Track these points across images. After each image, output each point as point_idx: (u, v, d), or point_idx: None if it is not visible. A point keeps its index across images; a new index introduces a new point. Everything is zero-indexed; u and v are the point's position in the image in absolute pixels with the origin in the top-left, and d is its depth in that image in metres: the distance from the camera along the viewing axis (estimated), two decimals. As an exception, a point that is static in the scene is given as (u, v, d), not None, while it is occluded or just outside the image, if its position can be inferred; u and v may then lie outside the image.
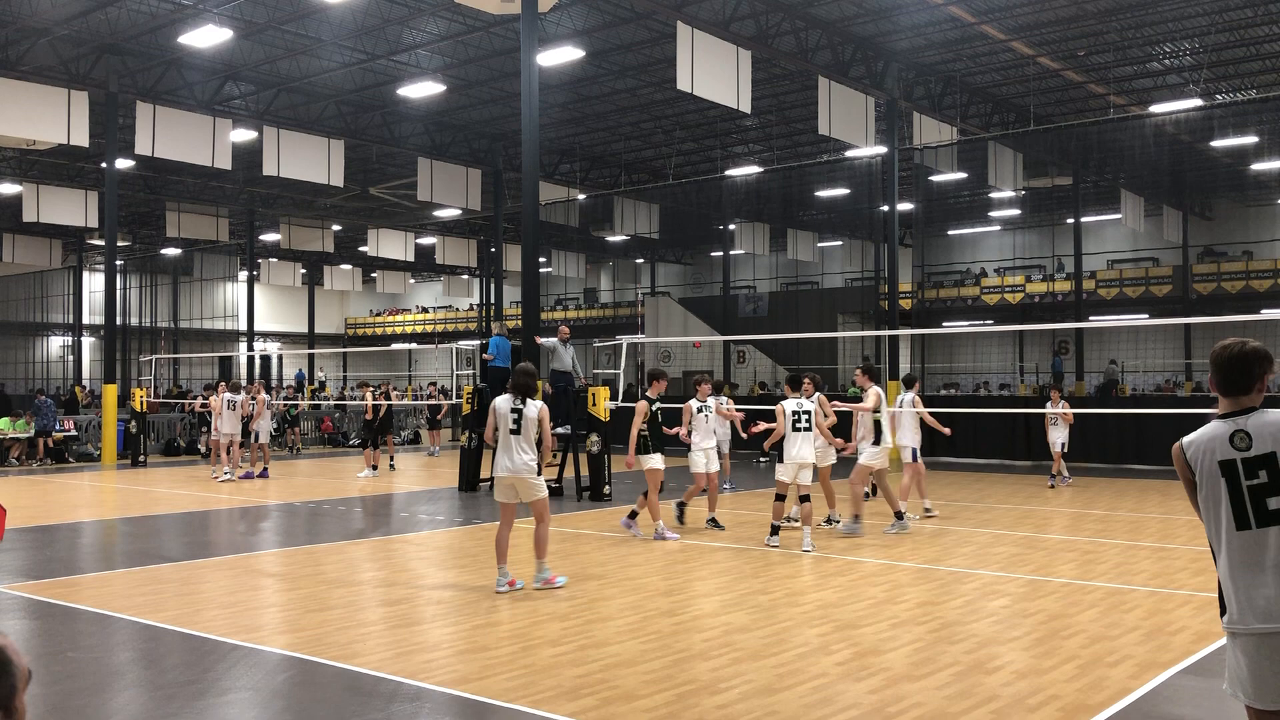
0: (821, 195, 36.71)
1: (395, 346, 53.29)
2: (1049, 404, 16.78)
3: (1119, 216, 34.41)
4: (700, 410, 12.19)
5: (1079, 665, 6.24)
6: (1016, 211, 39.85)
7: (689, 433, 12.16)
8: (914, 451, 13.04)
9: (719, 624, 7.34)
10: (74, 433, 25.04)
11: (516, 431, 8.57)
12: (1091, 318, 36.73)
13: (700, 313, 42.61)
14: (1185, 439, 3.38)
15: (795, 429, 10.86)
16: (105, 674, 6.31)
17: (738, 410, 15.16)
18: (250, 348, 44.26)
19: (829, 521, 12.39)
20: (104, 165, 25.89)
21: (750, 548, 10.89)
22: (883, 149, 25.00)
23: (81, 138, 22.38)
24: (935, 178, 31.70)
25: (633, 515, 11.79)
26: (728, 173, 31.76)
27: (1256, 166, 32.14)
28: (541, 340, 16.51)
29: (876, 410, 11.85)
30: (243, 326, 46.90)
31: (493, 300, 35.68)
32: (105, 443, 24.02)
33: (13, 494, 16.59)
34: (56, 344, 51.42)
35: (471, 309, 54.20)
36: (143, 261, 49.28)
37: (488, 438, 8.97)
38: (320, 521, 13.43)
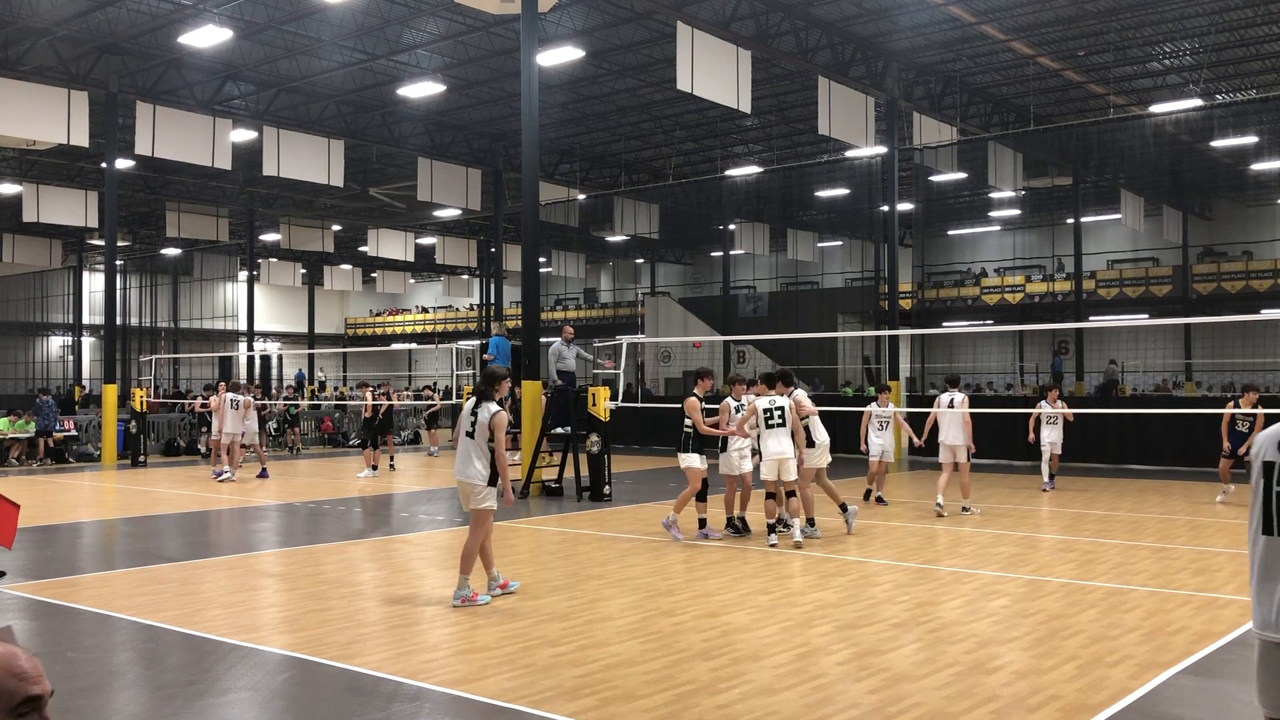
0: (821, 195, 36.71)
1: (395, 346, 53.29)
2: (1045, 403, 16.38)
3: (1119, 216, 34.41)
4: (738, 410, 11.84)
5: (1079, 665, 6.24)
6: (1016, 211, 39.86)
7: (735, 429, 11.82)
8: (967, 450, 13.60)
9: (719, 624, 7.34)
10: (74, 433, 25.04)
11: (470, 436, 8.19)
12: (1091, 318, 36.73)
13: (700, 313, 42.61)
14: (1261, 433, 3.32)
15: (769, 426, 11.09)
16: (105, 674, 6.31)
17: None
18: (250, 348, 44.26)
19: (811, 524, 12.14)
20: (104, 165, 25.90)
21: (750, 548, 10.89)
22: (883, 149, 25.00)
23: (81, 138, 22.37)
24: (935, 178, 31.69)
25: (702, 523, 11.71)
26: (728, 173, 31.76)
27: (1256, 166, 32.14)
28: (548, 342, 16.56)
29: (805, 416, 11.73)
30: (243, 326, 46.91)
31: (493, 300, 35.69)
32: (105, 443, 24.02)
33: (13, 494, 16.56)
34: (56, 344, 51.42)
35: (471, 309, 54.20)
36: (143, 261, 49.28)
37: (455, 441, 8.57)
38: (320, 521, 13.43)
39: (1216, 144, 29.62)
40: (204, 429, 21.04)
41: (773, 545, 10.82)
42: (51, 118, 21.81)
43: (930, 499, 14.86)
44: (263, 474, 19.45)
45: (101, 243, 34.41)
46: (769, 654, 6.52)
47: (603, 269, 54.94)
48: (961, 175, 30.23)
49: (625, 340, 19.85)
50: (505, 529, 12.15)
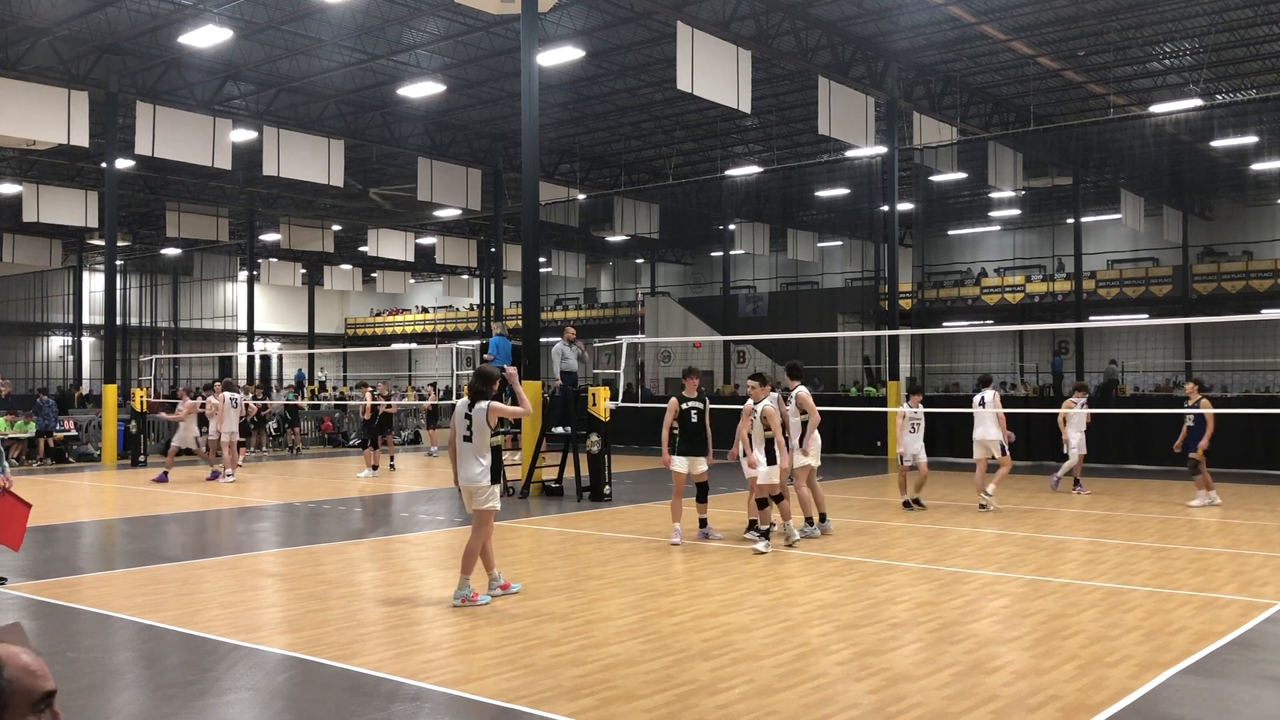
0: (821, 195, 36.71)
1: (395, 346, 53.30)
2: (1075, 403, 15.65)
3: (1119, 216, 34.42)
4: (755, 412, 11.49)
5: (1079, 665, 6.24)
6: (1016, 211, 39.86)
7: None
8: (1002, 445, 13.73)
9: (719, 624, 7.34)
10: (74, 433, 25.04)
11: (468, 439, 8.16)
12: (1091, 318, 36.73)
13: (700, 313, 42.60)
14: None
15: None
16: (105, 674, 6.31)
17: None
18: (250, 348, 44.26)
19: (809, 523, 12.09)
20: (104, 165, 25.89)
21: (750, 548, 10.88)
22: (883, 149, 25.01)
23: (81, 138, 22.37)
24: (935, 178, 31.70)
25: (751, 525, 11.55)
26: (728, 173, 31.76)
27: (1256, 166, 32.14)
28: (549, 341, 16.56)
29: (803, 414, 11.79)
30: (243, 326, 46.89)
31: (493, 300, 35.69)
32: (105, 443, 24.02)
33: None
34: (56, 344, 51.43)
35: (471, 309, 54.20)
36: (143, 261, 49.28)
37: (450, 442, 8.45)
38: (320, 521, 13.43)
39: (1216, 144, 29.61)
40: (203, 429, 21.06)
41: (760, 552, 10.57)
42: (51, 118, 21.81)
43: (931, 499, 14.85)
44: (213, 476, 18.94)
45: (101, 243, 34.41)
46: (769, 654, 6.52)
47: (603, 269, 54.95)
48: (961, 175, 30.23)
49: (625, 340, 19.86)
50: (505, 529, 12.15)
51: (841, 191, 35.82)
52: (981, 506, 13.70)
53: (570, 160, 33.48)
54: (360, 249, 46.10)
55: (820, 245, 43.83)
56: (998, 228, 43.35)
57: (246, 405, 20.25)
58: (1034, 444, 21.21)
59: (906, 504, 14.06)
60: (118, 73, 23.59)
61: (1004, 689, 5.78)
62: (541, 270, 29.44)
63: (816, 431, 11.85)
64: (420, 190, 29.70)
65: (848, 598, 8.24)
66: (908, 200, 33.77)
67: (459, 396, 20.24)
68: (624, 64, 24.74)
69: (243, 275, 47.64)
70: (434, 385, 32.69)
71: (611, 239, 41.34)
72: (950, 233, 44.52)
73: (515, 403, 8.35)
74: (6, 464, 9.85)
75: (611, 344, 27.68)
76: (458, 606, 7.99)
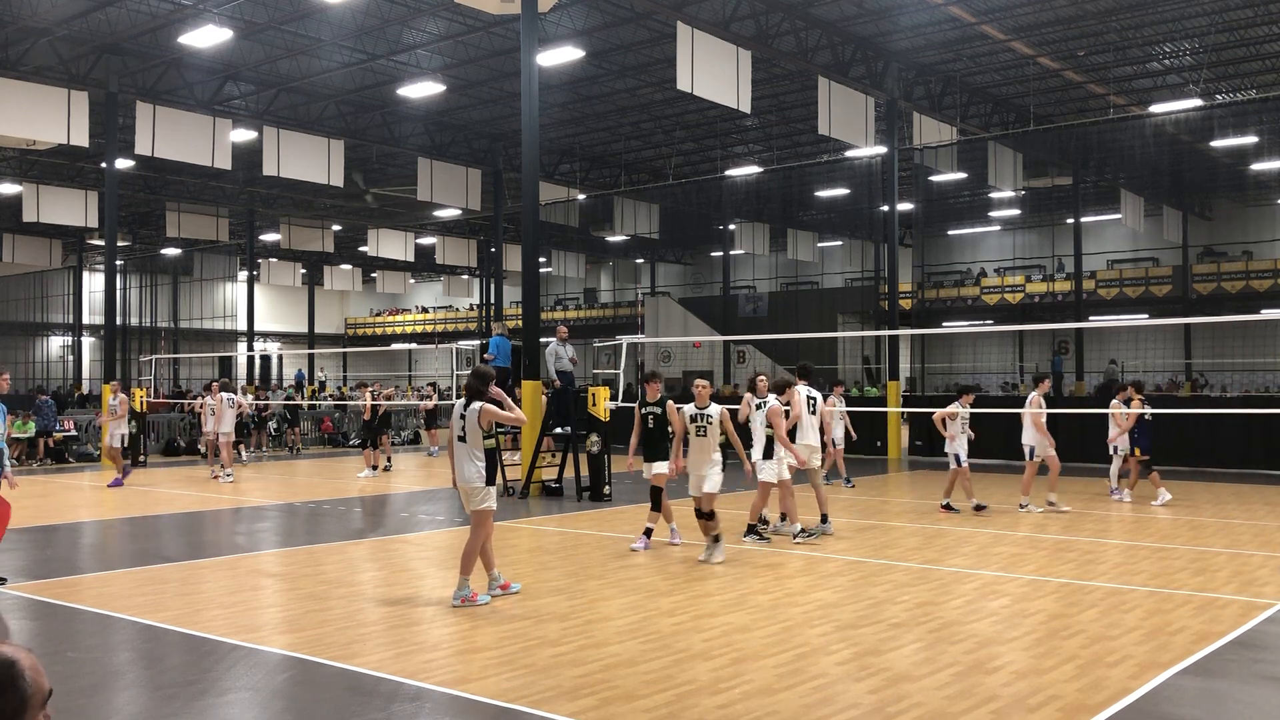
0: (821, 195, 36.72)
1: (395, 346, 53.31)
2: (1130, 402, 14.96)
3: (1119, 216, 34.43)
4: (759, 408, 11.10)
5: (1079, 665, 6.23)
6: (1016, 211, 39.87)
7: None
8: (1030, 450, 13.72)
9: (719, 624, 7.34)
10: (74, 433, 25.03)
11: (463, 439, 8.17)
12: (1091, 318, 36.74)
13: (700, 313, 42.61)
14: None
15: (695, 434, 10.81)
16: (105, 674, 6.31)
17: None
18: (250, 348, 44.26)
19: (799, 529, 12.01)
20: (104, 165, 25.89)
21: (750, 548, 10.89)
22: (883, 149, 25.01)
23: (81, 138, 22.38)
24: (935, 178, 31.71)
25: (782, 524, 11.64)
26: (728, 173, 31.76)
27: (1256, 166, 32.15)
28: (544, 340, 16.55)
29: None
30: (243, 326, 46.91)
31: (493, 300, 35.70)
32: (105, 443, 23.99)
33: (13, 494, 16.56)
34: (56, 344, 51.44)
35: (471, 309, 54.21)
36: (143, 261, 49.30)
37: (449, 442, 8.46)
38: (320, 521, 13.43)
39: (1216, 144, 29.63)
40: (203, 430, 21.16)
41: (802, 540, 10.99)
42: (51, 118, 21.82)
43: (931, 499, 14.85)
44: (116, 483, 17.99)
45: (101, 243, 34.41)
46: (769, 654, 6.52)
47: (603, 269, 54.95)
48: (961, 175, 30.25)
49: (625, 340, 19.85)
50: (505, 529, 12.14)
51: (841, 191, 35.83)
52: (1050, 504, 13.58)
53: (570, 160, 33.48)
54: (360, 249, 46.12)
55: (820, 245, 43.84)
56: (998, 228, 43.36)
57: (244, 406, 20.28)
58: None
59: (978, 507, 13.42)
60: (118, 73, 23.59)
61: (1004, 689, 5.78)
62: (541, 270, 29.45)
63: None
64: (420, 190, 29.71)
65: (848, 598, 8.24)
66: (908, 200, 33.78)
67: (458, 397, 20.27)
68: (624, 64, 24.74)
69: (243, 275, 47.66)
70: (434, 385, 32.68)
71: (611, 239, 41.35)
72: (950, 233, 44.53)
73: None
74: (7, 463, 9.86)
75: (611, 344, 27.66)
76: (457, 607, 8.00)
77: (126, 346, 43.77)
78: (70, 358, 49.53)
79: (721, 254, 41.76)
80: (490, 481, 8.25)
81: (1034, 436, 13.87)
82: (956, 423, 13.62)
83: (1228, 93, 27.01)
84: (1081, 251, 33.65)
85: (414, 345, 50.42)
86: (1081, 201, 33.75)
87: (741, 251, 42.12)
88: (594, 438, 15.49)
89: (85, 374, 47.34)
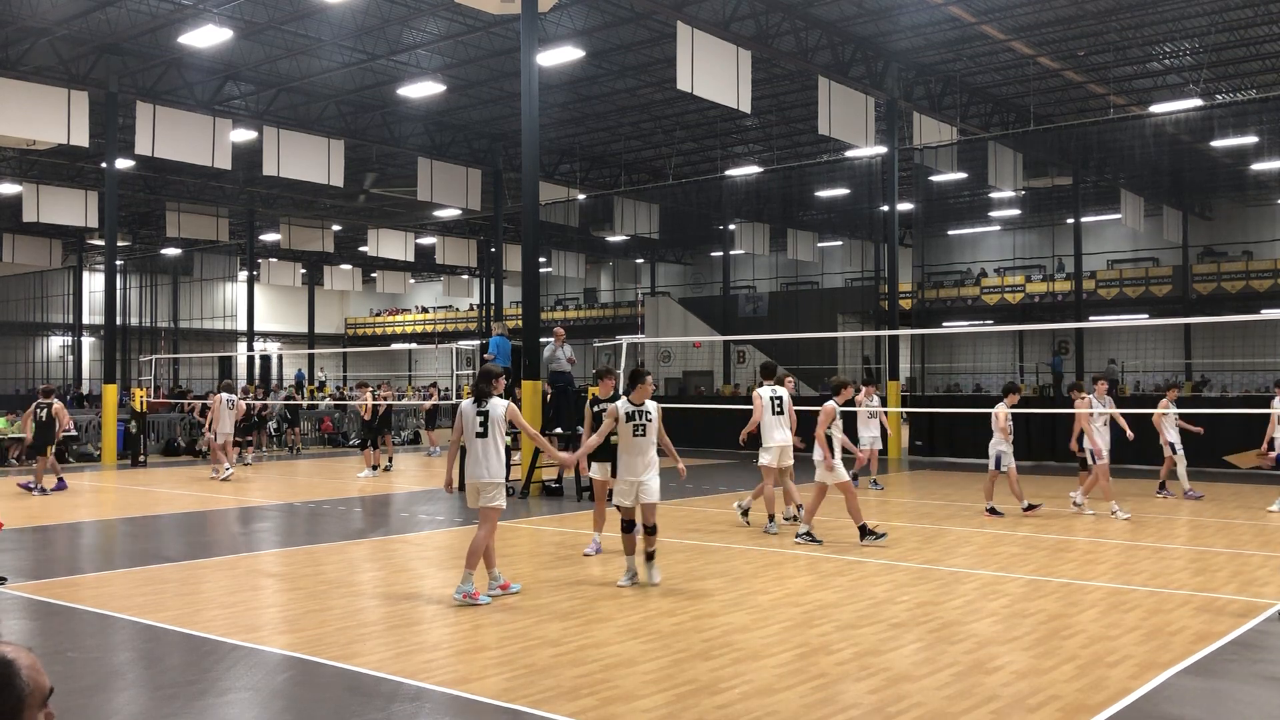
0: (821, 195, 36.73)
1: (395, 346, 53.31)
2: (1169, 404, 14.89)
3: (1119, 216, 34.44)
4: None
5: (1079, 665, 6.23)
6: (1016, 211, 39.88)
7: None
8: (1093, 453, 13.37)
9: (719, 624, 7.34)
10: (74, 433, 25.02)
11: (484, 435, 8.26)
12: (1091, 318, 36.74)
13: (700, 313, 42.62)
14: None
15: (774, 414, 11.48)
16: (105, 674, 6.31)
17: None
18: (250, 348, 44.26)
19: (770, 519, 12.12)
20: (104, 165, 25.90)
21: (750, 548, 10.89)
22: (883, 149, 25.01)
23: (81, 138, 22.38)
24: (935, 178, 31.70)
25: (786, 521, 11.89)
26: (728, 173, 31.77)
27: (1256, 166, 32.16)
28: (543, 340, 16.56)
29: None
30: (243, 326, 46.90)
31: (493, 300, 35.69)
32: (105, 443, 24.01)
33: (13, 494, 16.59)
34: (56, 344, 51.44)
35: (471, 309, 54.22)
36: (143, 261, 49.31)
37: (452, 443, 8.80)
38: (320, 521, 13.43)
39: (1216, 144, 29.63)
40: (203, 430, 21.21)
41: (804, 539, 11.13)
42: (51, 118, 21.82)
43: (932, 498, 14.85)
44: (43, 491, 16.72)
45: (101, 243, 34.41)
46: (769, 654, 6.52)
47: (603, 269, 54.96)
48: (961, 175, 30.25)
49: (625, 340, 19.84)
50: (505, 529, 12.14)
51: (841, 191, 35.83)
52: (1113, 513, 13.00)
53: (570, 160, 33.48)
54: (360, 249, 46.13)
55: (820, 245, 43.84)
56: (998, 228, 43.36)
57: (246, 405, 20.32)
58: (1033, 444, 21.18)
59: (1030, 507, 13.32)
60: (118, 73, 23.59)
61: (1004, 689, 5.78)
62: (541, 270, 29.45)
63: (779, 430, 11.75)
64: (420, 190, 29.71)
65: (848, 598, 8.24)
66: (908, 200, 33.78)
67: (459, 397, 20.24)
68: (624, 64, 24.74)
69: (243, 275, 47.66)
70: (435, 385, 32.69)
71: (611, 239, 41.35)
72: (950, 233, 44.53)
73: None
74: None
75: (611, 344, 27.67)
76: (459, 601, 8.02)
77: (126, 346, 43.79)
78: (70, 358, 49.53)
79: (721, 254, 41.77)
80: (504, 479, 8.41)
81: (1086, 439, 13.39)
82: (1099, 420, 13.49)
83: (1228, 93, 27.01)
84: (1081, 251, 33.65)
85: (414, 345, 50.44)
86: (1081, 201, 33.74)
87: (741, 251, 42.12)
88: (594, 438, 15.45)
89: (85, 374, 47.33)
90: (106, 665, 6.53)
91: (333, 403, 31.89)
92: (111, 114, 23.81)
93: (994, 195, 36.30)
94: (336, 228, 43.35)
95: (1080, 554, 10.38)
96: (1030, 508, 13.22)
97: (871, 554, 10.45)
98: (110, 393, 24.30)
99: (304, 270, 51.18)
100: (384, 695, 5.78)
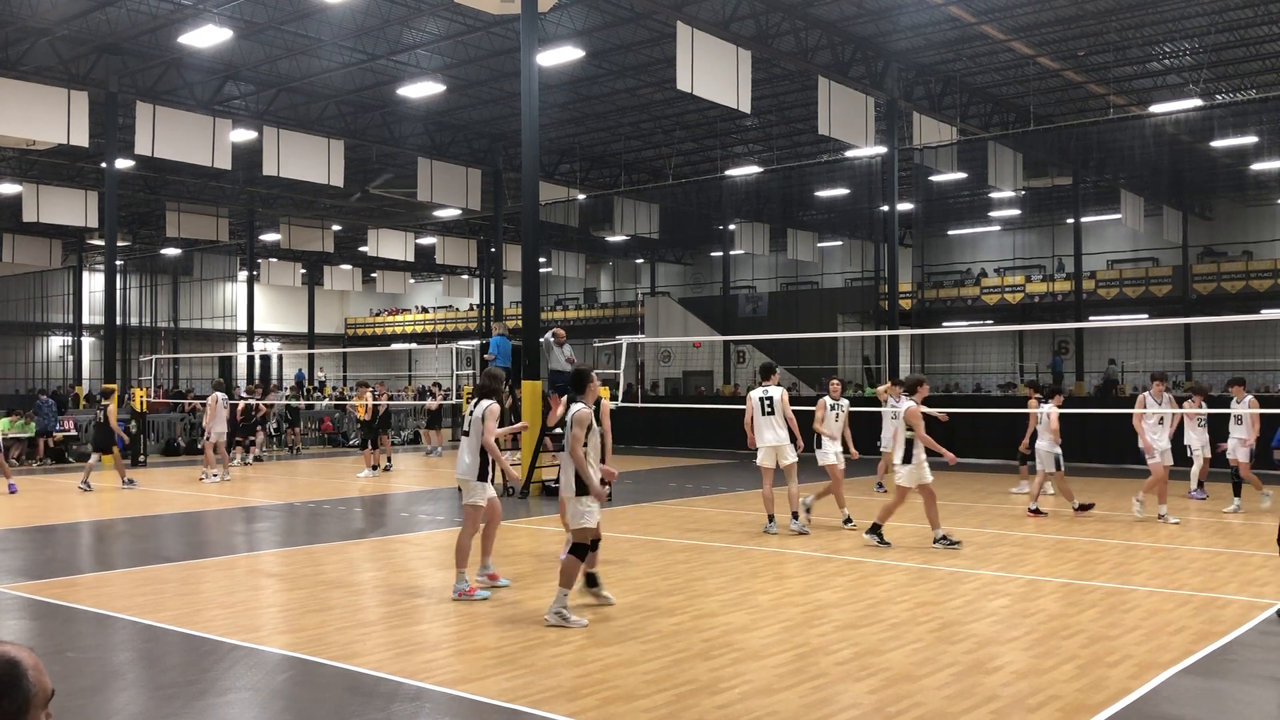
0: (821, 195, 36.73)
1: (395, 346, 53.30)
2: (1189, 404, 14.74)
3: (1119, 216, 34.44)
4: (832, 408, 12.47)
5: (1079, 665, 6.23)
6: (1016, 211, 39.88)
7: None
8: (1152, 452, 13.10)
9: (719, 624, 7.34)
10: (74, 433, 25.03)
11: (467, 434, 8.46)
12: (1091, 318, 36.74)
13: (700, 313, 42.62)
14: None
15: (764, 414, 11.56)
16: (105, 674, 6.31)
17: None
18: (250, 348, 44.25)
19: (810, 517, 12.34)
20: (104, 165, 25.90)
21: (750, 547, 10.89)
22: (883, 149, 25.01)
23: (81, 138, 22.38)
24: (935, 178, 31.72)
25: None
26: (728, 173, 31.77)
27: (1256, 166, 32.16)
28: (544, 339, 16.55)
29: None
30: (243, 326, 46.91)
31: (493, 300, 35.69)
32: (105, 443, 23.98)
33: (12, 494, 16.58)
34: (56, 344, 51.43)
35: (471, 309, 54.21)
36: (143, 261, 49.32)
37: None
38: (320, 521, 13.43)
39: (1216, 144, 29.63)
40: (202, 431, 21.19)
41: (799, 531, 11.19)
42: (51, 118, 21.82)
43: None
44: (131, 483, 18.04)
45: (101, 243, 34.41)
46: (769, 654, 6.52)
47: (603, 269, 54.96)
48: (961, 175, 30.25)
49: (625, 340, 19.84)
50: (505, 529, 12.13)
51: (841, 191, 35.83)
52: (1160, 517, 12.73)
53: (570, 160, 33.48)
54: (360, 249, 46.12)
55: (820, 245, 43.85)
56: (998, 228, 43.36)
57: (244, 406, 20.29)
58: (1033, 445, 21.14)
59: (1082, 507, 13.31)
60: (118, 73, 23.59)
61: (1004, 689, 5.78)
62: (541, 270, 29.46)
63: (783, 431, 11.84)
64: (420, 190, 29.71)
65: (848, 598, 8.24)
66: (907, 200, 33.80)
67: (458, 397, 20.28)
68: (624, 64, 24.74)
69: (243, 275, 47.67)
70: (438, 385, 32.67)
71: (611, 239, 41.36)
72: (950, 233, 44.52)
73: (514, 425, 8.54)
74: None
75: (611, 344, 27.66)
76: (455, 600, 8.09)
77: (126, 346, 43.77)
78: (70, 358, 49.51)
79: (721, 254, 41.77)
80: (482, 477, 8.40)
81: (1144, 439, 13.10)
82: (1192, 421, 13.32)
83: (1228, 93, 27.02)
84: (1081, 251, 33.66)
85: (414, 345, 50.43)
86: (1081, 201, 33.75)
87: (741, 251, 42.12)
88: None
89: (85, 374, 47.32)
90: (106, 665, 6.53)
91: (332, 403, 31.89)
92: (111, 114, 23.81)
93: (994, 195, 36.31)
94: (336, 228, 43.35)
95: (1080, 554, 10.38)
96: (1036, 511, 13.25)
97: (871, 554, 10.45)
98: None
99: (304, 270, 51.17)
100: (384, 695, 5.78)
